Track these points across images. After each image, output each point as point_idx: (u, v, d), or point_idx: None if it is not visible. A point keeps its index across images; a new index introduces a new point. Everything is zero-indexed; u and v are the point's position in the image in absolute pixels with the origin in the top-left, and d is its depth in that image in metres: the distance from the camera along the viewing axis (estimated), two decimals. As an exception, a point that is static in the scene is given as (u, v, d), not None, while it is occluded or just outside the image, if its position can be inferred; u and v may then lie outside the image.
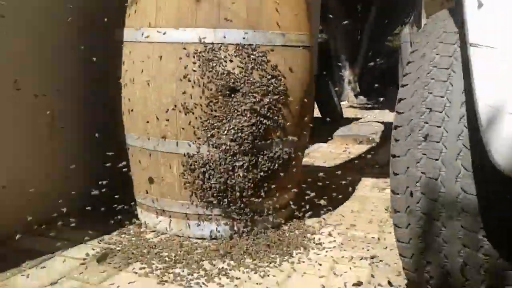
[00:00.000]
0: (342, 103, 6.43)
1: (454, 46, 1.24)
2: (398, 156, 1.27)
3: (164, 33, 1.81)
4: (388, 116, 6.42)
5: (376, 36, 7.93)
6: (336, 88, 5.20)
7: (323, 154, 3.74)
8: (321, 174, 2.54)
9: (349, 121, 5.41)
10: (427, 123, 1.22)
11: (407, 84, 1.29)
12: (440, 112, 1.21)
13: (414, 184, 1.23)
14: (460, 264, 1.23)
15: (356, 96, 7.77)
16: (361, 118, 6.11)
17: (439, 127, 1.20)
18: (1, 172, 1.82)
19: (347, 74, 7.71)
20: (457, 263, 1.23)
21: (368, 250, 1.90)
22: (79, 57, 2.10)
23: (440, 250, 1.24)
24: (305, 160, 2.70)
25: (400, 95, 1.31)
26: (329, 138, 4.36)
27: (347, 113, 6.38)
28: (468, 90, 1.16)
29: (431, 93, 1.23)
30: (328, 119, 5.04)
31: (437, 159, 1.20)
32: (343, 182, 2.49)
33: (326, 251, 1.88)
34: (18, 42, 1.86)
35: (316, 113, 4.79)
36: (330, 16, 6.78)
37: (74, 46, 2.07)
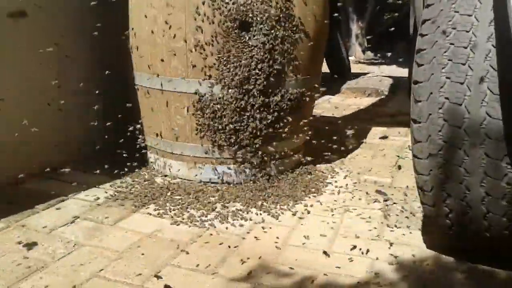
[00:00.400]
0: (350, 58, 6.28)
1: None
2: (421, 82, 1.19)
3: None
4: (396, 71, 6.28)
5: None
6: (338, 40, 5.04)
7: (332, 105, 3.66)
8: (331, 123, 2.48)
9: (357, 75, 5.28)
10: (452, 44, 1.13)
11: (432, 4, 1.20)
12: (467, 31, 1.12)
13: (436, 110, 1.16)
14: (482, 195, 1.17)
15: (363, 51, 7.60)
16: (368, 73, 5.97)
17: (465, 48, 1.12)
18: (14, 119, 1.76)
19: (354, 28, 7.51)
20: (478, 194, 1.17)
21: (380, 193, 1.85)
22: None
23: (461, 181, 1.18)
24: (315, 111, 2.62)
25: (424, 16, 1.22)
26: (337, 92, 4.26)
27: (355, 68, 6.25)
28: (498, 6, 1.07)
29: (457, 11, 1.14)
30: (336, 73, 4.93)
31: (462, 83, 1.12)
32: (354, 131, 2.42)
33: (339, 194, 1.83)
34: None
35: (324, 67, 4.67)
36: None
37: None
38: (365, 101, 3.90)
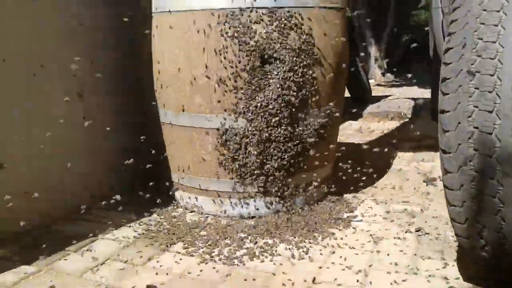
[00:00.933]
0: (369, 81, 6.26)
1: (505, -15, 1.14)
2: (448, 111, 1.17)
3: (192, 1, 1.73)
4: (417, 92, 6.23)
5: (400, 10, 7.69)
6: (362, 64, 5.04)
7: (356, 131, 3.63)
8: (356, 150, 2.45)
9: (378, 99, 5.25)
10: (478, 72, 1.11)
11: (454, 32, 1.19)
12: (492, 59, 1.10)
13: (466, 140, 1.14)
14: (519, 225, 1.13)
15: (383, 73, 7.57)
16: (390, 95, 5.93)
17: (492, 75, 1.10)
18: (42, 159, 1.80)
19: (373, 51, 7.50)
20: (515, 225, 1.14)
21: (412, 223, 1.81)
22: (109, 33, 2.05)
23: (496, 212, 1.15)
24: (338, 138, 2.61)
25: (447, 45, 1.21)
26: (359, 116, 4.23)
27: (375, 91, 6.22)
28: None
29: (481, 39, 1.12)
30: (357, 97, 4.91)
31: (491, 111, 1.10)
32: (380, 157, 2.40)
33: (369, 225, 1.80)
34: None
35: (345, 92, 4.67)
36: None
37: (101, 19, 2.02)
38: (389, 125, 3.87)
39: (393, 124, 3.91)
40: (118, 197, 1.79)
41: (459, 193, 1.19)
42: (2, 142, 1.70)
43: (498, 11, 1.12)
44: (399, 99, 5.30)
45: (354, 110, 4.25)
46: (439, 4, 3.29)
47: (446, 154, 1.19)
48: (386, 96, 5.74)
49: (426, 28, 3.99)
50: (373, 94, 5.72)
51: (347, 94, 4.99)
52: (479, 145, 1.12)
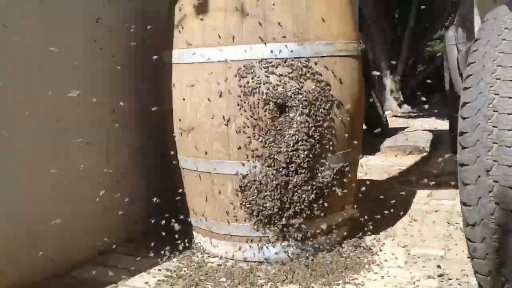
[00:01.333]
0: (386, 113, 6.27)
1: (519, 42, 1.16)
2: (467, 165, 1.18)
3: (211, 53, 1.79)
4: (435, 124, 6.21)
5: (415, 42, 7.74)
6: (373, 97, 5.05)
7: (373, 167, 3.62)
8: (374, 188, 2.44)
9: (395, 131, 5.24)
10: (496, 127, 1.13)
11: (470, 87, 1.21)
12: (509, 114, 1.11)
13: (486, 194, 1.14)
14: (544, 279, 1.12)
15: (399, 105, 7.57)
16: (407, 127, 5.92)
17: (510, 130, 1.11)
18: (57, 204, 1.84)
19: (388, 83, 7.53)
20: (540, 279, 1.12)
21: (434, 268, 1.79)
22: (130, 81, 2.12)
23: (520, 264, 1.14)
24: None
25: (463, 99, 1.23)
26: (376, 150, 4.23)
27: (392, 123, 6.21)
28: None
29: (497, 94, 1.14)
30: (374, 130, 4.92)
31: (510, 166, 1.11)
32: (399, 196, 2.39)
33: (390, 271, 1.78)
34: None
35: (361, 125, 4.67)
36: (366, 17, 6.67)
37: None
38: (407, 160, 3.85)
39: (412, 159, 3.89)
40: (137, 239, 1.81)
41: (481, 245, 1.18)
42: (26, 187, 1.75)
43: (514, 67, 1.14)
44: (416, 131, 5.28)
45: (371, 144, 4.24)
46: (453, 41, 3.32)
47: (467, 207, 1.19)
48: (403, 128, 5.73)
49: (439, 54, 4.02)
50: (390, 126, 5.72)
51: (364, 127, 5.01)
52: (500, 199, 1.12)
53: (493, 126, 1.13)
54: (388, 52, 7.53)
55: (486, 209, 1.14)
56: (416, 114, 7.27)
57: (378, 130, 4.60)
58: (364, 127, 5.00)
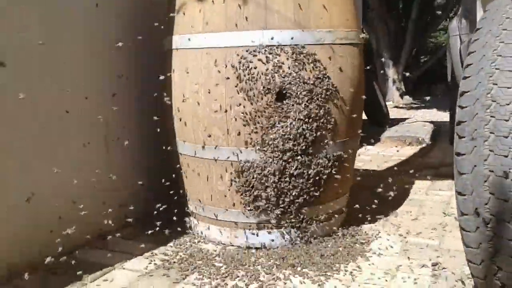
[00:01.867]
0: (387, 103, 6.26)
1: (520, 32, 1.15)
2: (463, 154, 1.18)
3: (211, 38, 1.79)
4: (436, 115, 6.20)
5: (419, 33, 7.70)
6: (377, 87, 5.04)
7: (372, 157, 3.62)
8: (373, 178, 2.45)
9: (396, 121, 5.25)
10: (493, 117, 1.12)
11: (469, 76, 1.21)
12: (507, 104, 1.11)
13: (482, 183, 1.14)
14: (537, 269, 1.13)
15: (401, 96, 7.56)
16: (408, 118, 5.92)
17: (507, 120, 1.11)
18: (57, 188, 1.85)
19: (390, 73, 7.51)
20: (532, 269, 1.13)
21: (429, 257, 1.80)
22: (131, 64, 2.12)
23: (512, 254, 1.15)
24: (355, 164, 2.60)
25: (462, 88, 1.22)
26: (376, 140, 4.23)
27: (393, 113, 6.21)
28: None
29: (496, 84, 1.13)
30: (374, 120, 4.91)
31: (506, 156, 1.11)
32: (397, 186, 2.39)
33: (385, 259, 1.79)
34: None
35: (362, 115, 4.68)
36: (370, 10, 6.63)
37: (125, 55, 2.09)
38: (406, 151, 3.85)
39: (411, 150, 3.90)
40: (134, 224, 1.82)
41: (475, 235, 1.19)
42: (31, 169, 1.75)
43: (513, 57, 1.13)
44: (417, 122, 5.29)
45: (371, 134, 4.24)
46: (457, 32, 3.30)
47: (462, 196, 1.20)
48: (404, 119, 5.73)
49: (443, 45, 4.02)
50: (391, 116, 5.72)
51: (364, 117, 5.01)
52: (495, 188, 1.12)
53: (491, 116, 1.13)
54: (391, 43, 7.49)
55: (481, 198, 1.15)
56: (417, 105, 7.27)
57: (378, 119, 4.62)
58: (365, 117, 5.02)
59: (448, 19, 7.50)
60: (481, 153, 1.14)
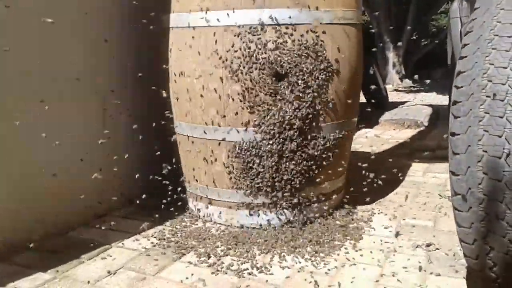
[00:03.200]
0: (387, 86, 6.24)
1: (517, 11, 1.14)
2: (458, 134, 1.18)
3: (209, 17, 1.77)
4: (436, 98, 6.18)
5: (420, 15, 7.63)
6: (374, 70, 5.01)
7: (371, 140, 3.63)
8: (370, 160, 2.45)
9: (395, 105, 5.23)
10: (488, 97, 1.12)
11: (466, 56, 1.20)
12: (503, 84, 1.11)
13: (475, 163, 1.14)
14: (528, 249, 1.14)
15: (401, 79, 7.52)
16: (407, 101, 5.91)
17: (502, 100, 1.11)
18: (57, 165, 1.85)
19: (391, 56, 7.46)
20: (523, 248, 1.14)
21: (423, 238, 1.81)
22: (127, 45, 2.10)
23: (504, 234, 1.15)
24: (352, 146, 2.60)
25: (458, 68, 1.22)
26: (374, 123, 4.23)
27: (393, 96, 6.20)
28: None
29: (492, 64, 1.13)
30: (373, 103, 4.89)
31: (500, 136, 1.11)
32: (394, 168, 2.40)
33: (380, 240, 1.80)
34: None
35: (361, 98, 4.68)
36: None
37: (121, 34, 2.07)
38: (404, 134, 3.85)
39: (409, 133, 3.90)
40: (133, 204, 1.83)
41: (467, 214, 1.20)
42: (27, 149, 1.75)
43: (510, 37, 1.13)
44: (416, 105, 5.28)
45: (370, 117, 4.24)
46: (457, 14, 3.27)
47: (456, 176, 1.20)
48: (404, 103, 5.72)
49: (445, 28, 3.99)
50: (391, 100, 5.70)
51: (363, 100, 4.99)
52: (488, 168, 1.12)
53: (486, 96, 1.13)
54: (392, 25, 7.43)
55: (474, 178, 1.15)
56: (417, 89, 7.24)
57: (377, 102, 4.60)
58: (364, 100, 5.01)
59: (449, 2, 7.42)
60: (475, 133, 1.14)
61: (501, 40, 1.14)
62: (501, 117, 1.10)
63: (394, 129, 4.06)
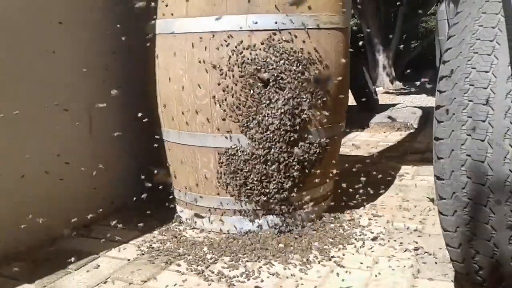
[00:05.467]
0: (377, 89, 6.27)
1: (498, 16, 1.15)
2: (442, 139, 1.18)
3: (195, 23, 1.77)
4: (425, 100, 6.23)
5: (410, 17, 7.68)
6: (366, 73, 5.04)
7: (361, 143, 3.63)
8: (359, 163, 2.46)
9: (385, 107, 5.26)
10: (471, 101, 1.13)
11: (448, 60, 1.21)
12: (485, 88, 1.11)
13: (459, 167, 1.15)
14: (511, 252, 1.14)
15: (391, 81, 7.56)
16: (397, 104, 5.93)
17: (484, 104, 1.11)
18: (43, 174, 1.83)
19: (381, 58, 7.50)
20: (507, 252, 1.15)
21: (411, 241, 1.81)
22: (115, 52, 2.10)
23: (489, 238, 1.16)
24: (342, 150, 2.61)
25: (441, 73, 1.22)
26: (366, 126, 4.24)
27: (383, 99, 6.23)
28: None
29: (474, 68, 1.13)
30: (364, 106, 4.92)
31: (483, 140, 1.11)
32: (383, 171, 2.40)
33: (368, 243, 1.80)
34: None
35: (351, 100, 4.69)
36: None
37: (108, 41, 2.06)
38: (394, 137, 3.87)
39: (399, 135, 3.92)
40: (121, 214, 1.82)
41: (452, 219, 1.20)
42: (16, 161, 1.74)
43: (491, 41, 1.13)
44: (406, 107, 5.30)
45: (360, 120, 4.25)
46: (444, 16, 3.29)
47: (440, 180, 1.20)
48: (394, 105, 5.74)
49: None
50: (381, 102, 5.73)
51: (353, 103, 5.01)
52: (472, 173, 1.13)
53: (469, 100, 1.13)
54: (382, 28, 7.47)
55: (458, 182, 1.15)
56: (407, 91, 7.28)
57: (367, 105, 4.61)
58: (354, 103, 5.02)
59: (437, 4, 7.48)
60: (458, 137, 1.14)
61: (482, 44, 1.14)
62: (484, 121, 1.11)
63: (384, 132, 4.08)
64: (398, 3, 7.35)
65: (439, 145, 1.20)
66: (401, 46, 7.05)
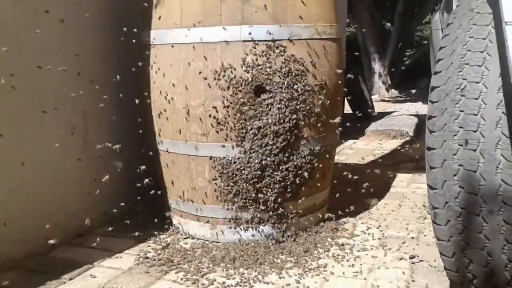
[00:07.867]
0: (373, 97, 6.29)
1: (488, 27, 1.16)
2: (434, 149, 1.19)
3: (189, 34, 1.78)
4: (421, 108, 6.24)
5: (405, 26, 7.73)
6: (362, 81, 5.06)
7: (356, 151, 3.65)
8: (355, 171, 2.46)
9: (381, 115, 5.28)
10: (462, 111, 1.14)
11: (440, 71, 1.22)
12: (476, 99, 1.13)
13: (451, 177, 1.16)
14: (505, 262, 1.15)
15: (387, 89, 7.59)
16: (393, 112, 5.95)
17: (476, 115, 1.13)
18: (37, 185, 1.83)
19: (377, 67, 7.53)
20: (501, 261, 1.15)
21: (406, 250, 1.82)
22: (110, 60, 2.10)
23: (482, 247, 1.17)
24: (338, 158, 2.62)
25: (433, 83, 1.24)
26: (361, 134, 4.25)
27: (379, 107, 6.25)
28: (505, 74, 1.08)
29: (465, 79, 1.15)
30: (359, 114, 4.93)
31: (475, 150, 1.12)
32: (379, 179, 2.41)
33: (364, 252, 1.81)
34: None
35: (347, 109, 4.71)
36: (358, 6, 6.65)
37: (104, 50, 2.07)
38: (390, 145, 3.88)
39: (395, 144, 3.93)
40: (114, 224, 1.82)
41: (445, 228, 1.21)
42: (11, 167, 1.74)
43: (482, 52, 1.15)
44: (402, 115, 5.32)
45: (356, 128, 4.26)
46: (439, 26, 3.31)
47: (433, 190, 1.21)
48: (390, 113, 5.76)
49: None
50: (377, 110, 5.75)
51: (349, 111, 5.03)
52: (464, 182, 1.14)
53: (460, 111, 1.14)
54: (377, 37, 7.52)
55: (451, 192, 1.16)
56: (403, 99, 7.31)
57: (363, 113, 4.62)
58: (350, 111, 5.03)
59: (433, 12, 7.53)
60: (450, 147, 1.15)
61: (473, 55, 1.16)
62: (475, 131, 1.12)
63: (380, 140, 4.09)
64: (390, 16, 7.42)
65: (431, 155, 1.21)
66: (396, 55, 7.07)
